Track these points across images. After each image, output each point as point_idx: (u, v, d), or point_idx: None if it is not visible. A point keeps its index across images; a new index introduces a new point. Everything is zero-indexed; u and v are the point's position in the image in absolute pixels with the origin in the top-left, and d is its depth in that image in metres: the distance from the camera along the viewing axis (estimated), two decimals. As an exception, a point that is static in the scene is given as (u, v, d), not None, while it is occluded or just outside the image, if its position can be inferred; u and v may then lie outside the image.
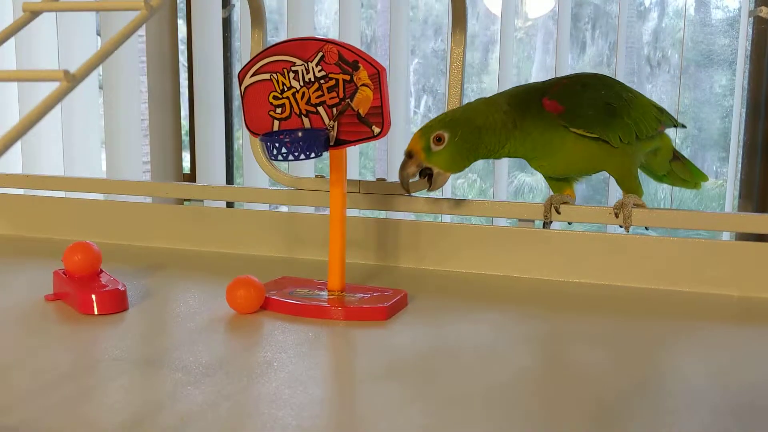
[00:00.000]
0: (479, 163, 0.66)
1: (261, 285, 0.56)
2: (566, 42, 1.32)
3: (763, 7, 1.03)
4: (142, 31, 1.37)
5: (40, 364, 0.45)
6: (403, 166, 0.64)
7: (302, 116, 0.54)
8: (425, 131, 0.62)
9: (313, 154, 0.52)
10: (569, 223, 0.70)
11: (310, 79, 0.53)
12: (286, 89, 0.54)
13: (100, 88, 1.42)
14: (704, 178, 0.73)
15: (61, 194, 0.88)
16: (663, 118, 0.70)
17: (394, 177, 0.67)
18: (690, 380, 0.44)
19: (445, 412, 0.38)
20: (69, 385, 0.41)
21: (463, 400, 0.40)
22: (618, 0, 1.37)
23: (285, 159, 0.52)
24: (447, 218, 1.10)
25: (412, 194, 0.70)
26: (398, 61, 1.33)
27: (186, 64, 1.37)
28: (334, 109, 0.53)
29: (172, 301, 0.61)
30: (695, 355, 0.50)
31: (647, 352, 0.50)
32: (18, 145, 1.20)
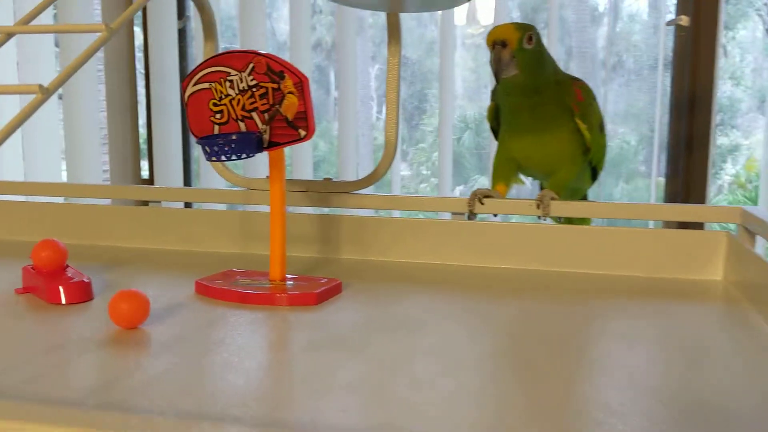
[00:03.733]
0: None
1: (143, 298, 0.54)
2: None
3: (683, 16, 1.11)
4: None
5: (17, 343, 0.50)
6: (499, 54, 0.68)
7: (239, 121, 0.60)
8: (521, 26, 0.70)
9: (245, 155, 0.57)
10: (494, 215, 0.77)
11: (243, 87, 0.59)
12: (223, 97, 0.60)
13: (60, 98, 1.46)
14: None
15: (21, 198, 0.92)
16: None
17: (345, 175, 0.73)
18: (606, 342, 0.51)
19: (370, 370, 0.44)
20: (45, 358, 0.46)
21: (388, 360, 0.46)
22: (573, 5, 1.44)
23: (220, 159, 0.58)
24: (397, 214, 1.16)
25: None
26: (359, 67, 1.39)
27: (143, 72, 1.42)
28: (266, 114, 0.58)
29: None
30: (608, 325, 0.56)
31: (558, 320, 0.57)
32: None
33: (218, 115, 0.60)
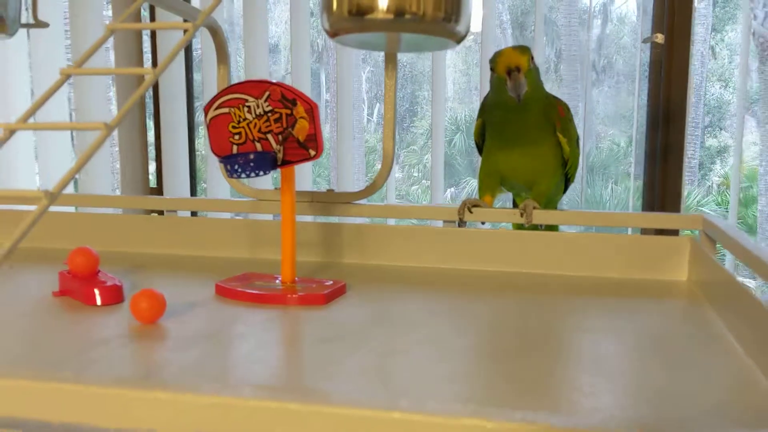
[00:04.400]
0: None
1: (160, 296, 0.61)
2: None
3: (658, 34, 1.19)
4: (111, 55, 1.48)
5: (64, 339, 0.57)
6: (518, 79, 0.77)
7: (255, 142, 0.67)
8: (525, 49, 0.79)
9: (262, 173, 0.65)
10: (482, 223, 0.85)
11: (260, 112, 0.66)
12: (242, 120, 0.67)
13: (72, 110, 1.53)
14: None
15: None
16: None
17: (343, 186, 0.81)
18: (580, 335, 0.58)
19: (374, 358, 0.52)
20: (92, 352, 0.53)
21: (392, 351, 0.54)
22: (562, 8, 1.52)
23: (240, 176, 0.65)
24: (392, 221, 1.24)
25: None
26: (350, 69, 1.46)
27: (153, 88, 1.49)
28: (280, 136, 0.66)
29: (162, 293, 0.73)
30: (583, 320, 0.64)
31: (538, 316, 0.64)
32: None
33: (237, 137, 0.68)
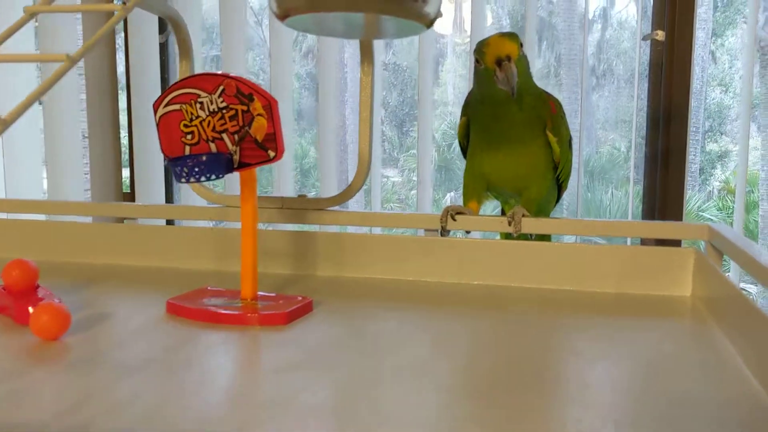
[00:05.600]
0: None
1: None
2: None
3: (659, 31, 1.12)
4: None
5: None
6: (509, 69, 0.69)
7: (209, 142, 0.60)
8: (513, 36, 0.71)
9: (213, 176, 0.58)
10: (467, 232, 0.77)
11: (214, 109, 0.59)
12: (194, 118, 0.60)
13: (40, 103, 1.46)
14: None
15: (2, 215, 0.92)
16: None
17: (327, 192, 0.74)
18: (574, 359, 0.51)
19: (335, 393, 0.45)
20: (13, 380, 0.46)
21: (359, 382, 0.46)
22: (562, 13, 1.46)
23: (189, 180, 0.58)
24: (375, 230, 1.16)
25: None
26: (352, 73, 1.40)
27: (125, 85, 1.42)
28: (236, 136, 0.59)
29: (108, 311, 0.66)
30: (577, 342, 0.57)
31: (529, 337, 0.57)
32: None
33: (189, 136, 0.61)
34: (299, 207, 0.79)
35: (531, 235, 0.77)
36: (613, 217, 7.00)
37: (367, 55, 0.75)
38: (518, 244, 0.74)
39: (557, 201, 0.84)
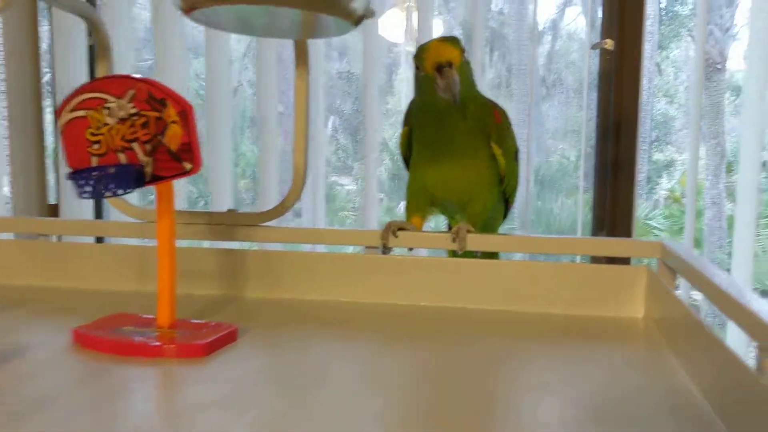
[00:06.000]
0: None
1: None
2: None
3: (608, 40, 1.10)
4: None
5: None
6: (452, 76, 0.64)
7: (119, 152, 0.54)
8: (456, 41, 0.66)
9: (122, 191, 0.52)
10: (410, 249, 0.73)
11: (123, 116, 0.53)
12: (101, 126, 0.54)
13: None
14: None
15: None
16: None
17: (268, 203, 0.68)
18: (520, 392, 0.46)
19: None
20: None
21: (281, 423, 0.41)
22: (513, 23, 1.43)
23: (93, 196, 0.52)
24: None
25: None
26: (267, 75, 1.34)
27: (50, 89, 1.33)
28: (148, 146, 0.53)
29: (9, 340, 0.59)
30: (522, 371, 0.52)
31: (472, 367, 0.52)
32: None
33: (96, 146, 0.54)
34: (228, 223, 0.73)
35: (477, 252, 0.73)
36: (563, 226, 7.09)
37: (301, 57, 0.69)
38: (463, 263, 0.69)
39: (505, 216, 0.80)
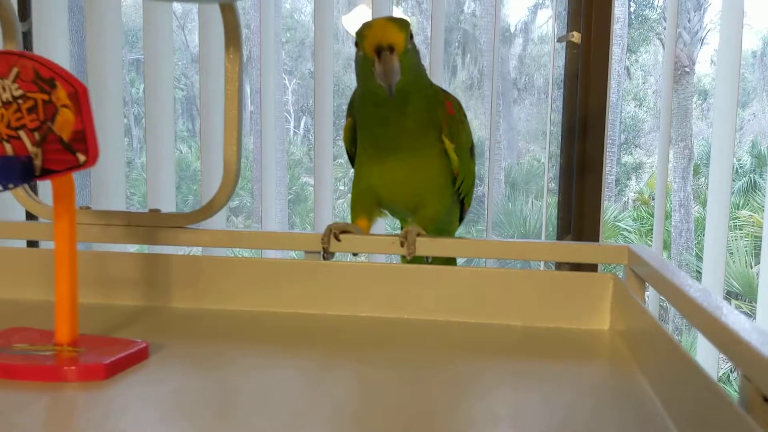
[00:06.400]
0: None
1: None
2: (439, 65, 1.30)
3: (575, 33, 1.05)
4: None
5: None
6: (389, 61, 0.56)
7: (4, 141, 0.46)
8: (403, 23, 0.58)
9: (5, 186, 0.44)
10: (354, 254, 0.66)
11: (7, 99, 0.45)
12: (-17, 110, 0.46)
13: None
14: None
15: None
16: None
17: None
18: (477, 420, 0.40)
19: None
20: None
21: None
22: (485, 26, 1.38)
23: (-36, 193, 0.44)
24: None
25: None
26: (272, 80, 1.28)
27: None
28: (36, 134, 0.45)
29: None
30: (477, 394, 0.46)
31: (421, 388, 0.46)
32: None
33: (-23, 134, 0.46)
34: (150, 224, 0.65)
35: (427, 258, 0.66)
36: (532, 228, 7.09)
37: (232, 40, 0.62)
38: (413, 269, 0.63)
39: (461, 219, 0.73)
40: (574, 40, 1.06)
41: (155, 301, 0.64)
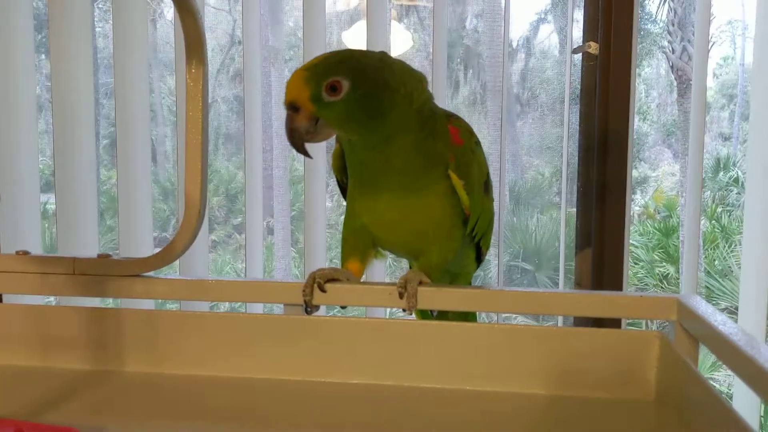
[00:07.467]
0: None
1: None
2: (442, 81, 1.20)
3: (591, 43, 0.94)
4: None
5: None
6: (292, 122, 0.49)
7: None
8: (314, 74, 0.48)
9: None
10: (342, 308, 0.55)
11: None
12: None
13: None
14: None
15: None
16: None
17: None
18: None
19: None
20: None
21: None
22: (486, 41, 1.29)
23: None
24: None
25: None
26: (251, 91, 1.18)
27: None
28: None
29: None
30: None
31: None
32: None
33: None
34: (98, 273, 0.54)
35: (432, 311, 0.55)
36: (539, 244, 6.95)
37: (195, 53, 0.52)
38: (415, 326, 0.52)
39: (479, 263, 0.61)
40: (591, 51, 0.95)
41: (104, 364, 0.54)
